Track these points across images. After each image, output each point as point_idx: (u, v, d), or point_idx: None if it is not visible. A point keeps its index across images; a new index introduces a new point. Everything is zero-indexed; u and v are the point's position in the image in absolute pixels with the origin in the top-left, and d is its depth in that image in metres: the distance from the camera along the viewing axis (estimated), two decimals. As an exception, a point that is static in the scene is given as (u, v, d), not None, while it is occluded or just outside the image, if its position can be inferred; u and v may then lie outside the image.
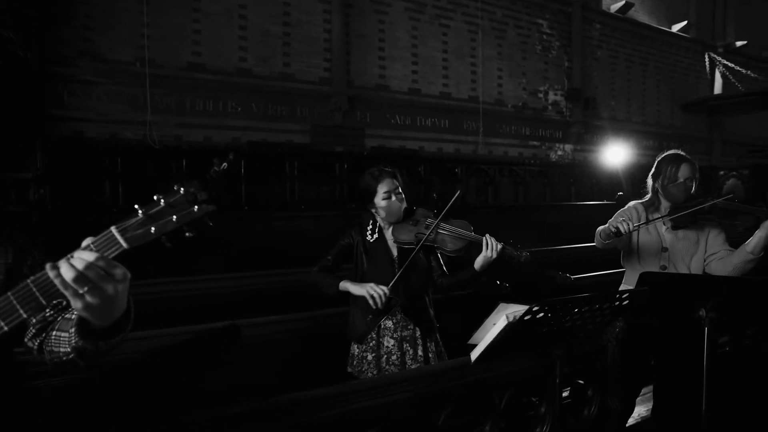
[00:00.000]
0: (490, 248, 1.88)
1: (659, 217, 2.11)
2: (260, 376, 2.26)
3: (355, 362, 2.09)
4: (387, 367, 2.04)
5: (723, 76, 10.34)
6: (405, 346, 2.06)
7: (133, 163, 4.93)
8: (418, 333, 2.07)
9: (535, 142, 7.96)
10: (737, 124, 11.05)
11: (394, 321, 2.06)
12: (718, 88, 10.42)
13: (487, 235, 1.92)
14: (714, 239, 2.12)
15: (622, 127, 8.72)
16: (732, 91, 10.03)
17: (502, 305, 1.32)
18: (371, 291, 1.88)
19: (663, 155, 2.23)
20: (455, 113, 7.10)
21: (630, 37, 9.18)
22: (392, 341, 2.06)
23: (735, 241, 2.15)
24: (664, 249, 2.15)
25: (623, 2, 8.85)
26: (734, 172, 8.89)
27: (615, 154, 7.73)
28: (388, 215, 2.08)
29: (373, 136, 6.54)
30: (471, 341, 1.47)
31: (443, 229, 2.01)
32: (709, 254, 2.11)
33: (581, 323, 1.44)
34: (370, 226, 2.14)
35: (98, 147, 4.84)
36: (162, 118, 5.27)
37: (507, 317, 1.26)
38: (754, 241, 1.94)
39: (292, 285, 3.29)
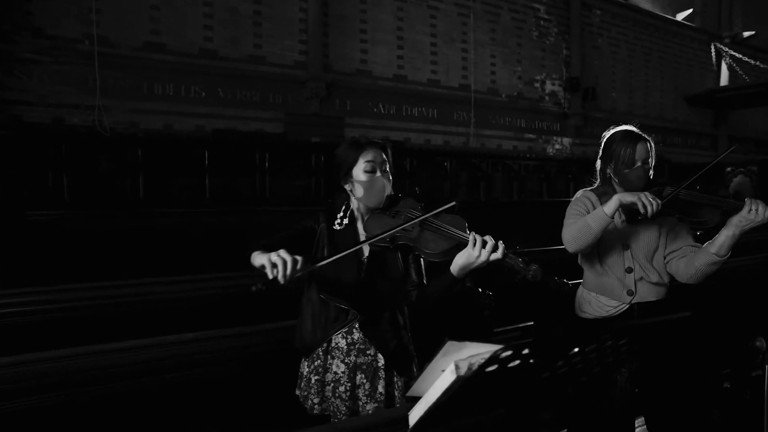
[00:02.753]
0: (476, 247, 1.34)
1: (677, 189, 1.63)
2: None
3: (302, 383, 1.59)
4: (332, 399, 1.53)
5: (730, 67, 9.85)
6: (359, 377, 1.53)
7: (81, 153, 4.40)
8: (380, 362, 1.54)
9: (530, 135, 7.44)
10: (743, 119, 10.55)
11: (349, 341, 1.54)
12: (724, 80, 9.92)
13: (475, 234, 1.39)
14: (674, 233, 1.78)
15: (623, 120, 8.14)
16: (739, 84, 9.52)
17: (450, 345, 0.79)
18: (274, 258, 1.31)
19: (611, 133, 1.81)
20: (444, 102, 6.58)
21: (632, 25, 8.66)
22: (342, 367, 1.54)
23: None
24: (626, 246, 1.78)
25: (625, -12, 8.35)
26: (742, 169, 8.41)
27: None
28: (368, 195, 1.56)
29: (353, 125, 6.01)
30: (411, 393, 0.96)
31: (427, 227, 1.49)
32: (669, 251, 1.78)
33: (583, 366, 0.92)
34: (341, 213, 1.62)
35: (40, 133, 4.31)
36: (115, 102, 4.74)
37: (456, 368, 0.74)
38: (719, 241, 1.61)
39: (235, 292, 2.80)
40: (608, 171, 1.79)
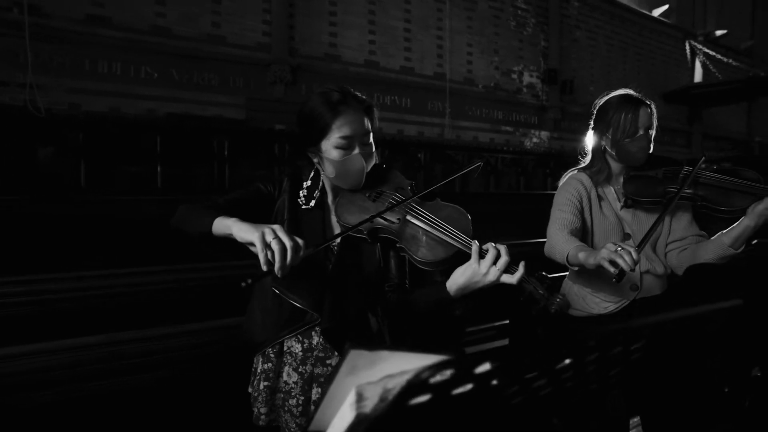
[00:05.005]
0: (485, 262, 1.01)
1: (665, 210, 1.33)
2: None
3: (255, 381, 1.25)
4: (283, 414, 1.20)
5: (703, 65, 9.88)
6: (315, 390, 1.18)
7: (11, 135, 3.93)
8: None
9: (508, 128, 7.21)
10: (716, 117, 10.63)
11: (305, 346, 1.19)
12: (698, 77, 9.96)
13: (493, 245, 1.04)
14: (679, 219, 1.53)
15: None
16: (713, 81, 9.56)
17: (355, 356, 0.45)
18: (269, 236, 0.95)
19: (606, 99, 1.52)
20: (419, 91, 6.28)
21: (609, 19, 8.56)
22: (294, 376, 1.19)
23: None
24: (627, 235, 1.49)
25: (603, -20, 8.24)
26: (715, 166, 8.40)
27: (589, 145, 7.06)
28: (341, 177, 1.19)
29: (321, 113, 5.65)
30: (312, 428, 0.62)
31: (418, 218, 1.12)
32: (671, 240, 1.53)
33: (572, 385, 0.61)
34: (309, 183, 1.24)
35: (-41, 113, 3.81)
36: (51, 81, 4.25)
37: (359, 399, 0.41)
38: (736, 232, 1.35)
39: (178, 286, 2.46)
40: (603, 143, 1.49)
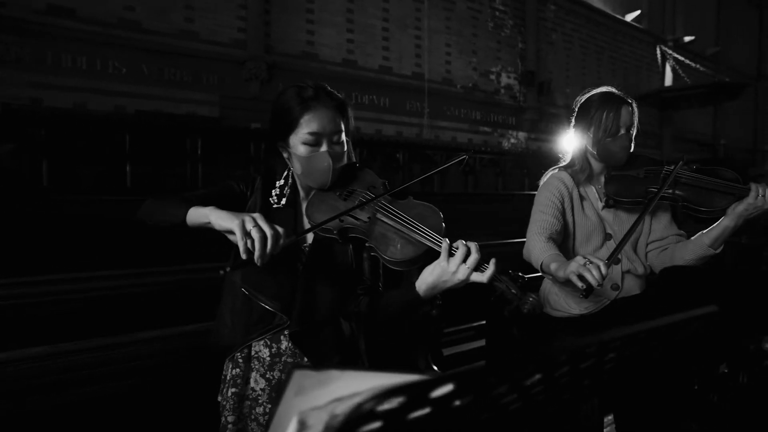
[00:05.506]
0: (454, 260, 0.97)
1: (642, 214, 1.31)
2: None
3: (224, 389, 1.20)
4: (250, 422, 1.14)
5: (673, 69, 10.19)
6: None
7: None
8: None
9: (486, 128, 7.26)
10: (685, 120, 10.96)
11: (273, 351, 1.14)
12: (668, 81, 10.26)
13: (463, 242, 1.00)
14: (659, 219, 1.52)
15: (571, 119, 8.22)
16: (682, 85, 9.86)
17: (302, 376, 0.40)
18: (249, 224, 0.93)
19: (587, 97, 1.51)
20: (397, 91, 6.25)
21: (584, 22, 8.72)
22: (262, 382, 1.14)
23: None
24: (608, 236, 1.47)
25: (578, -15, 8.39)
26: (695, 166, 8.71)
27: (570, 144, 7.16)
28: (306, 174, 1.16)
29: (298, 112, 5.56)
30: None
31: (388, 216, 1.08)
32: (651, 240, 1.52)
33: (544, 398, 0.56)
34: (282, 182, 1.21)
35: None
36: (9, 74, 4.04)
37: (302, 429, 0.36)
38: (715, 233, 1.35)
39: (145, 290, 2.35)
40: (585, 142, 1.47)
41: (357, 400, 0.37)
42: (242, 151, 4.89)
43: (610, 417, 1.71)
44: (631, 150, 1.43)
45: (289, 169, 1.22)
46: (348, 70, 5.90)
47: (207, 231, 1.05)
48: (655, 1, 10.26)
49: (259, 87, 5.23)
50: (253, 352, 1.15)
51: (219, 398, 1.20)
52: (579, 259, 1.12)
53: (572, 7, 8.49)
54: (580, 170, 1.47)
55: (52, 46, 4.21)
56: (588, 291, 1.07)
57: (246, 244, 0.91)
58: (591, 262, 1.09)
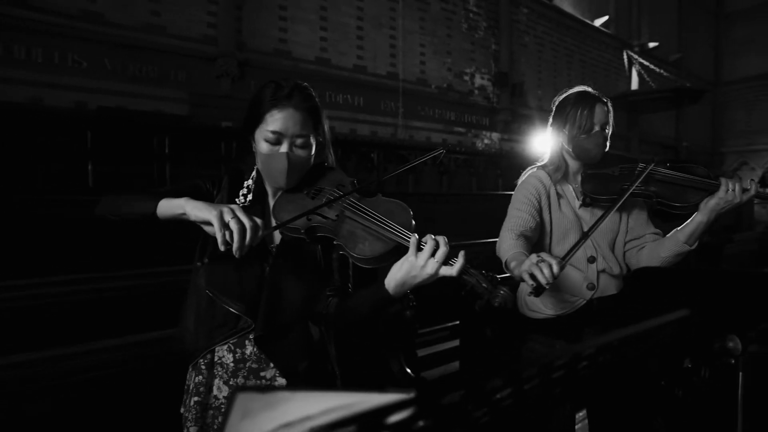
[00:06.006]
0: (422, 255, 0.96)
1: (604, 215, 1.30)
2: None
3: (186, 399, 1.15)
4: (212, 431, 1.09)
5: (639, 74, 10.53)
6: None
7: None
8: (280, 387, 1.11)
9: (460, 129, 7.31)
10: (650, 123, 11.36)
11: (237, 356, 1.10)
12: (634, 85, 10.60)
13: (431, 236, 0.99)
14: (635, 218, 1.53)
15: (549, 118, 8.39)
16: (647, 89, 10.21)
17: (245, 399, 0.36)
18: (227, 215, 0.92)
19: (563, 96, 1.53)
20: (371, 90, 6.21)
21: (556, 26, 8.91)
22: (225, 390, 1.10)
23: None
24: (586, 235, 1.42)
25: (550, -11, 8.56)
26: (668, 163, 9.06)
27: (543, 144, 7.29)
28: (264, 172, 1.17)
29: (271, 110, 5.45)
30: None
31: (356, 216, 1.06)
32: (629, 239, 1.53)
33: (514, 411, 0.53)
34: (250, 182, 1.19)
35: None
36: (-44, 66, 3.80)
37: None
38: (689, 228, 1.36)
39: (104, 296, 2.23)
40: (561, 140, 1.48)
41: (307, 426, 0.33)
42: (213, 150, 4.75)
43: (583, 412, 1.72)
44: (607, 148, 1.44)
45: (257, 170, 1.19)
46: (321, 68, 5.82)
47: (176, 227, 1.02)
48: (622, 8, 10.59)
49: (230, 84, 5.10)
50: (216, 358, 1.10)
51: (182, 410, 1.15)
52: (533, 257, 1.11)
53: (544, 10, 8.66)
54: (556, 168, 1.48)
55: (4, 36, 3.97)
56: (537, 290, 1.05)
57: (224, 236, 0.90)
58: (543, 261, 1.07)
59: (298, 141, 1.10)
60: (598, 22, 9.92)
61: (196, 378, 1.10)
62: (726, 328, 0.92)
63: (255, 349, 1.09)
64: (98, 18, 4.41)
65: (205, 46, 4.97)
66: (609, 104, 1.46)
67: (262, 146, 1.09)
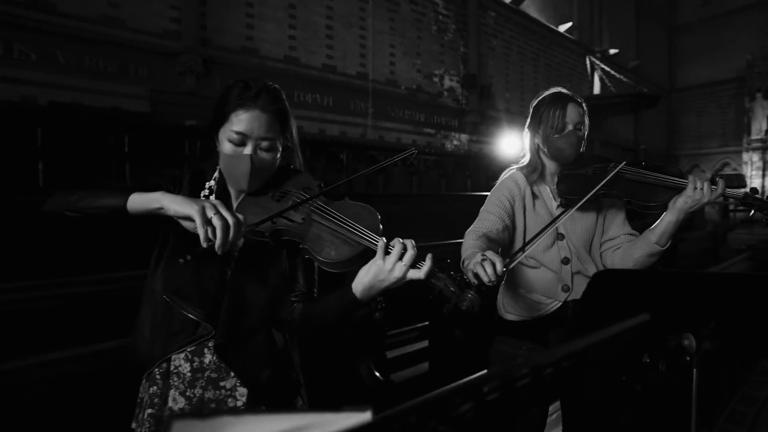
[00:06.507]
0: (390, 258, 0.96)
1: (556, 218, 1.31)
2: None
3: (139, 414, 1.08)
4: None
5: (601, 79, 10.92)
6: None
7: None
8: (241, 399, 1.06)
9: (430, 130, 7.36)
10: (611, 127, 11.81)
11: (195, 365, 1.04)
12: (596, 89, 10.99)
13: (399, 240, 0.98)
14: (611, 219, 1.52)
15: (516, 120, 8.55)
16: (608, 94, 10.61)
17: (177, 425, 0.32)
18: (210, 211, 0.90)
19: (539, 98, 1.52)
20: (341, 90, 6.17)
21: (522, 31, 9.12)
22: (181, 401, 1.04)
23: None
24: (560, 236, 1.47)
25: (516, -6, 8.76)
26: (643, 162, 9.44)
27: (510, 146, 7.44)
28: (226, 173, 1.12)
29: (237, 109, 5.31)
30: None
31: (323, 219, 1.05)
32: (605, 239, 1.52)
33: (478, 421, 0.52)
34: (212, 183, 1.15)
35: None
36: None
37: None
38: (660, 228, 1.35)
39: (50, 304, 2.09)
40: (536, 141, 1.47)
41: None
42: (176, 149, 4.57)
43: (557, 403, 1.74)
44: (581, 148, 1.44)
45: (219, 171, 1.14)
46: (290, 67, 5.73)
47: (129, 228, 0.95)
48: (585, 15, 10.96)
49: (195, 82, 4.93)
50: (172, 368, 1.04)
51: (133, 425, 1.08)
52: (478, 256, 1.10)
53: (511, 15, 8.85)
54: (533, 169, 1.48)
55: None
56: (478, 288, 1.03)
57: (207, 232, 0.87)
58: (487, 260, 1.07)
59: (263, 144, 1.06)
60: (563, 28, 10.23)
61: (151, 389, 1.04)
62: (682, 326, 0.95)
63: (214, 358, 1.04)
64: (49, 7, 4.17)
65: (167, 42, 4.79)
66: (584, 105, 1.46)
67: (226, 146, 1.05)
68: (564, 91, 1.48)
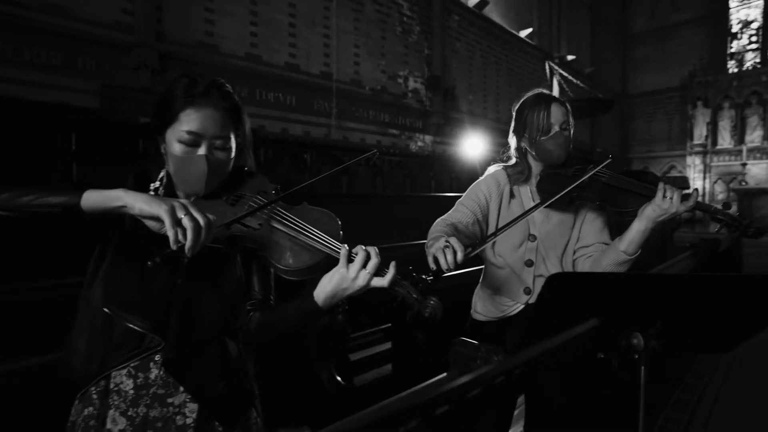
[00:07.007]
0: (354, 267, 0.95)
1: (527, 212, 1.32)
2: None
3: None
4: None
5: (559, 84, 11.32)
6: None
7: None
8: (190, 416, 0.98)
9: (394, 131, 7.38)
10: (571, 131, 12.27)
11: (140, 382, 0.96)
12: (555, 93, 11.37)
13: (362, 247, 0.97)
14: (589, 225, 1.49)
15: (479, 122, 8.73)
16: (566, 98, 11.02)
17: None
18: (180, 212, 0.84)
19: (521, 101, 1.50)
20: (304, 90, 6.08)
21: (485, 35, 9.31)
22: (122, 422, 0.95)
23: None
24: (532, 237, 1.46)
25: (479, -1, 8.93)
26: (625, 168, 9.77)
27: (473, 147, 7.58)
28: (178, 177, 1.04)
29: (196, 106, 5.13)
30: None
31: (281, 222, 1.00)
32: (579, 246, 1.49)
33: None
34: (157, 185, 1.06)
35: None
36: None
37: None
38: (628, 236, 1.32)
39: None
40: (523, 144, 1.46)
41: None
42: (129, 147, 4.36)
43: (521, 398, 1.76)
44: (569, 148, 1.42)
45: (166, 172, 1.06)
46: (252, 65, 5.58)
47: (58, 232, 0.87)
48: (544, 22, 11.33)
49: (150, 77, 4.72)
50: (112, 385, 0.95)
51: None
52: (442, 241, 1.11)
53: (474, 19, 9.01)
54: (520, 171, 1.47)
55: None
56: (436, 273, 1.05)
57: (177, 233, 0.82)
58: (449, 247, 1.08)
59: (218, 143, 1.00)
60: (523, 34, 10.53)
61: (86, 410, 0.95)
62: (631, 326, 0.98)
63: (161, 372, 0.96)
64: (-15, -6, 3.87)
65: (119, 34, 4.56)
66: (567, 104, 1.45)
67: (175, 148, 0.98)
68: (545, 92, 1.47)
